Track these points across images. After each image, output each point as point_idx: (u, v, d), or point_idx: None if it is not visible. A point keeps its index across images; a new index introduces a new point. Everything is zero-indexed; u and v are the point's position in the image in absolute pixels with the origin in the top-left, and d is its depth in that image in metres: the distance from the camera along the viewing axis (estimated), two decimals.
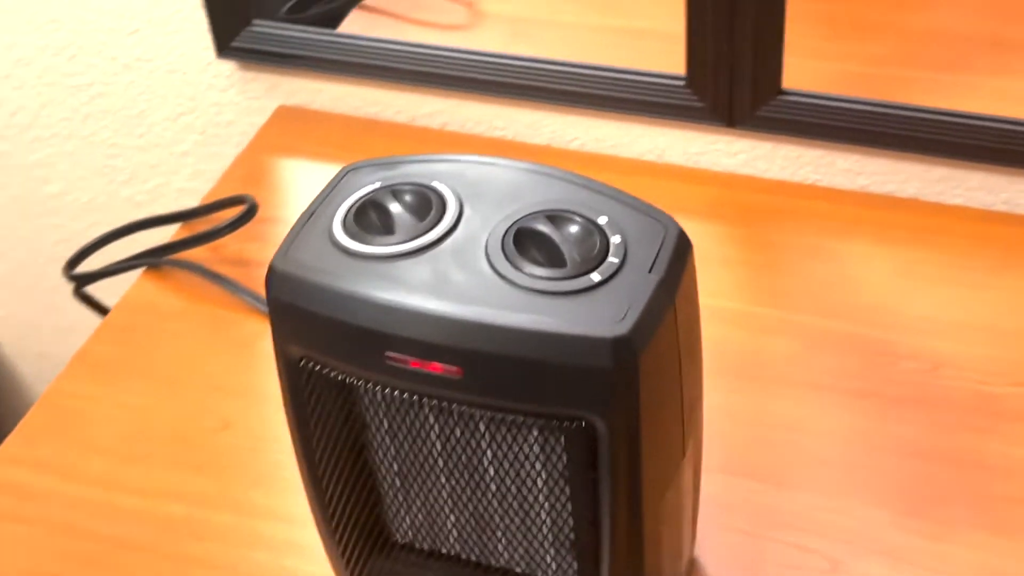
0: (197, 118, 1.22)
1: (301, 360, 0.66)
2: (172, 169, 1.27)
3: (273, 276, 0.65)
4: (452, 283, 0.62)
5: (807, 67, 1.06)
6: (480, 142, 1.12)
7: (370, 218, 0.66)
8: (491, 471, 0.67)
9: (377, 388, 0.65)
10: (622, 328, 0.60)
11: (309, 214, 0.67)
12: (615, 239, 0.63)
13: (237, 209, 1.02)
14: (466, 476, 0.68)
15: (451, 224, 0.65)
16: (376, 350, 0.63)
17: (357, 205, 0.66)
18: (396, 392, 0.64)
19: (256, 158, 1.13)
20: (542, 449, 0.65)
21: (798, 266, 0.98)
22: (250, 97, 1.19)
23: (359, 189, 0.67)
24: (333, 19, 1.18)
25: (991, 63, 1.09)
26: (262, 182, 1.11)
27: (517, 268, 0.62)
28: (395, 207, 0.66)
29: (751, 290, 0.96)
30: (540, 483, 0.67)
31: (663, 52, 1.14)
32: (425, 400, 0.65)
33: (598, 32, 1.18)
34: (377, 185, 0.67)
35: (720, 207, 1.04)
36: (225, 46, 1.14)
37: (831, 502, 0.82)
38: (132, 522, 0.85)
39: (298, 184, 1.10)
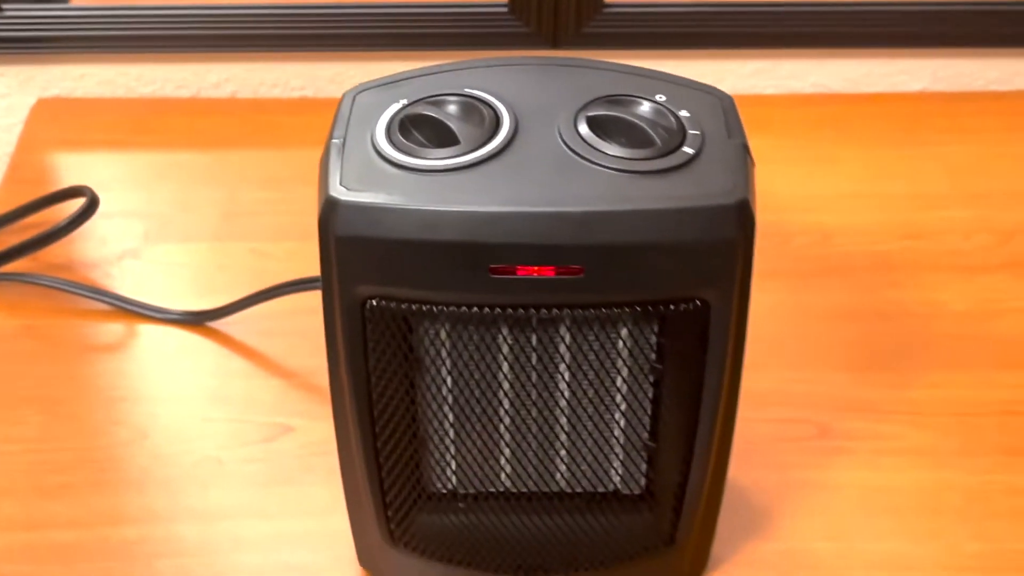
0: None
1: (367, 301, 0.60)
2: None
3: (338, 211, 0.58)
4: (547, 181, 0.58)
5: None
6: (279, 105, 1.06)
7: (420, 133, 0.60)
8: (566, 378, 0.64)
9: (463, 310, 0.60)
10: (740, 194, 0.58)
11: (340, 143, 0.61)
12: (683, 113, 0.61)
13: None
14: (534, 395, 0.64)
15: (513, 125, 0.60)
16: (477, 266, 0.58)
17: (398, 121, 0.60)
18: (488, 310, 0.60)
19: (33, 159, 1.01)
20: (633, 342, 0.62)
21: None
22: None
23: (386, 109, 0.62)
24: None
25: None
26: (53, 183, 0.98)
27: (607, 154, 0.59)
28: (445, 118, 0.60)
29: None
30: (621, 383, 0.64)
31: None
32: (508, 317, 0.61)
33: None
34: (405, 102, 0.62)
35: None
36: None
37: (796, 374, 0.83)
38: (87, 558, 0.73)
39: (101, 177, 0.98)
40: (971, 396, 0.82)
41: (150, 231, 0.94)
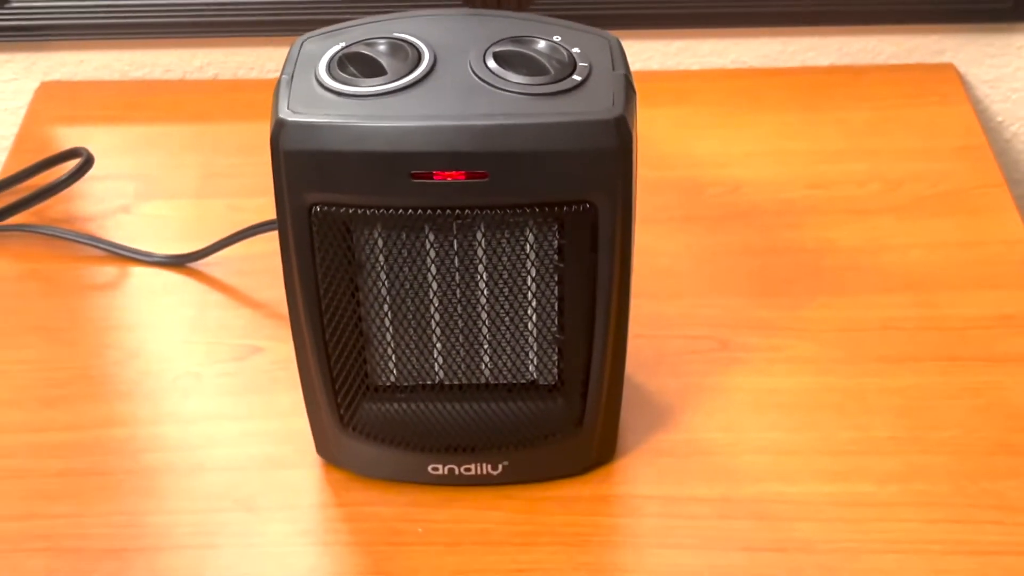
0: None
1: (312, 207, 0.72)
2: None
3: (285, 129, 0.70)
4: (458, 101, 0.71)
5: None
6: (256, 85, 1.18)
7: (355, 67, 0.72)
8: (484, 279, 0.76)
9: (392, 212, 0.72)
10: (618, 111, 0.71)
11: (289, 78, 0.73)
12: (576, 50, 0.74)
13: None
14: (458, 293, 0.76)
15: (432, 60, 0.73)
16: (400, 172, 0.70)
17: (336, 59, 0.73)
18: (412, 211, 0.72)
19: (37, 133, 1.13)
20: (538, 245, 0.74)
21: None
22: (3, 81, 1.18)
23: (328, 50, 0.74)
24: None
25: None
26: (55, 151, 1.11)
27: (508, 80, 0.71)
28: (376, 55, 0.73)
29: None
30: (531, 282, 0.76)
31: None
32: (430, 219, 0.72)
33: None
34: (343, 44, 0.74)
35: None
36: None
37: (703, 300, 0.95)
38: (83, 454, 0.85)
39: (97, 146, 1.10)
40: (854, 315, 0.94)
41: (140, 190, 1.06)
